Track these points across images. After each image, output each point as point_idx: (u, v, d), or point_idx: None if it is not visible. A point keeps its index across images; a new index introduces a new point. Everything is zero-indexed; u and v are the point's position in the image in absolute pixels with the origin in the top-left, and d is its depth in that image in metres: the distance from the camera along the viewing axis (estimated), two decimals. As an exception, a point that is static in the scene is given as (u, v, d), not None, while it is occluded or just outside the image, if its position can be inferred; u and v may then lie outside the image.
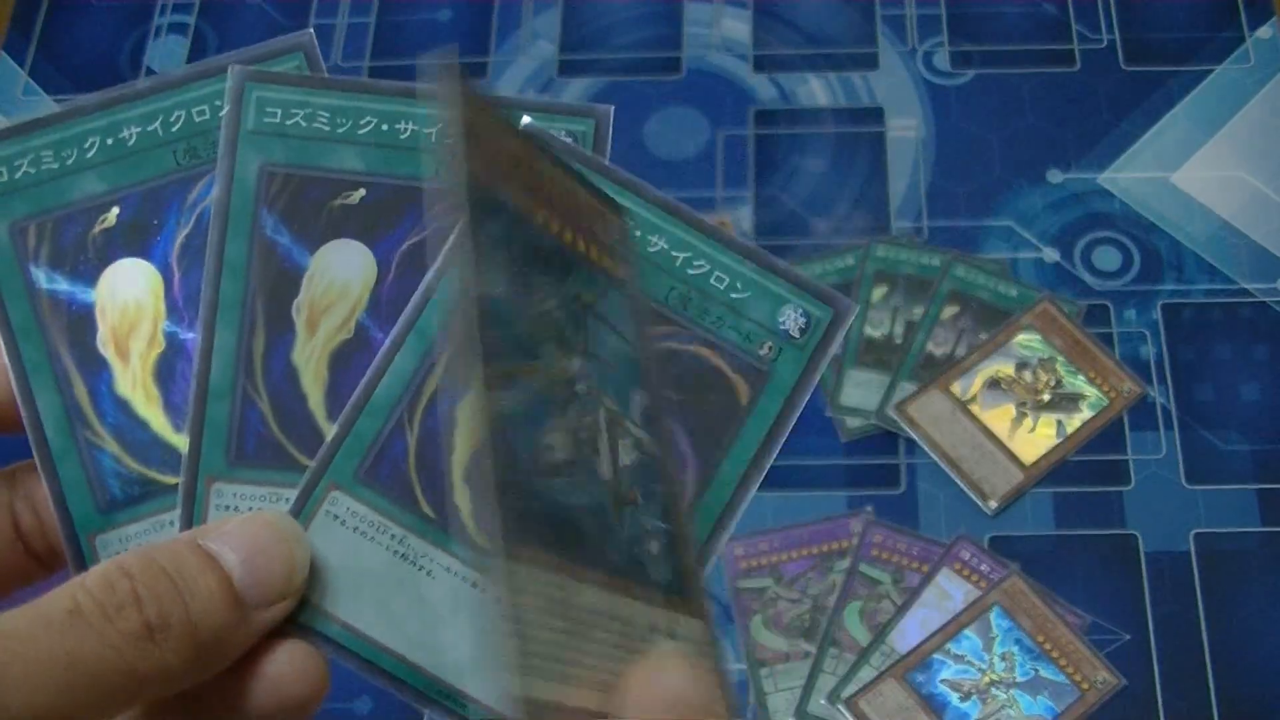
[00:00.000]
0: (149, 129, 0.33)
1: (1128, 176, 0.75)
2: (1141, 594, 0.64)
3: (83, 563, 0.30)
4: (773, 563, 0.66)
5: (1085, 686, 0.61)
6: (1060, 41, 0.80)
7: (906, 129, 0.78)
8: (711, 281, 0.32)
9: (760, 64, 0.81)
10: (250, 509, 0.30)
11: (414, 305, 0.30)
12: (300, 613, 0.29)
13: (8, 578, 0.30)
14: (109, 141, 0.32)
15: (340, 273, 0.31)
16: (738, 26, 0.82)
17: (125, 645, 0.24)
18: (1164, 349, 0.70)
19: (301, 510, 0.29)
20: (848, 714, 0.61)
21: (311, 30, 0.35)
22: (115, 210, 0.32)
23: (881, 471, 0.68)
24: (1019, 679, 0.62)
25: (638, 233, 0.31)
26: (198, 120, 0.33)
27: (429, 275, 0.30)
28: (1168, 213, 0.74)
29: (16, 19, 0.87)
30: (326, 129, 0.32)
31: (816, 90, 0.80)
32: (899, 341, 0.71)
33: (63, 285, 0.31)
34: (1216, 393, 0.69)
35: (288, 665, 0.28)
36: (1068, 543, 0.66)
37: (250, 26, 0.84)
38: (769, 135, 0.78)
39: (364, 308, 0.31)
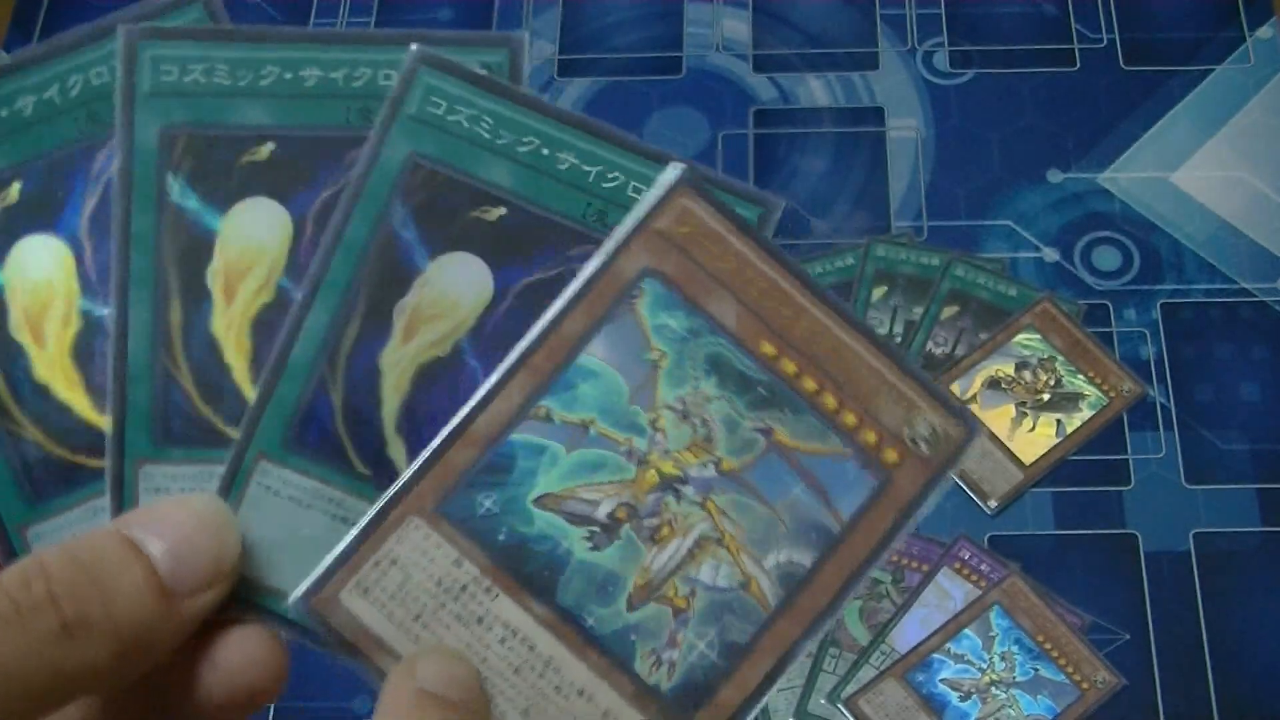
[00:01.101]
0: (45, 97, 0.31)
1: (1128, 176, 0.75)
2: (1141, 594, 0.64)
3: (14, 557, 0.29)
4: (772, 562, 0.66)
5: (1085, 686, 0.61)
6: (1060, 41, 0.80)
7: (906, 129, 0.78)
8: (629, 194, 0.30)
9: (760, 64, 0.81)
10: (182, 490, 0.29)
11: (320, 260, 0.29)
12: (248, 594, 0.28)
13: None
14: (3, 114, 0.30)
15: (255, 234, 0.30)
16: (738, 26, 0.82)
17: (45, 645, 0.23)
18: (1164, 349, 0.70)
19: (232, 485, 0.28)
20: (848, 714, 0.61)
21: None
22: (17, 185, 0.30)
23: (881, 471, 0.68)
24: (1019, 678, 0.62)
25: (546, 151, 0.31)
26: (97, 84, 0.31)
27: (332, 227, 0.30)
28: (1168, 213, 0.74)
29: (16, 19, 0.87)
30: (227, 83, 0.30)
31: (816, 90, 0.80)
32: (899, 341, 0.71)
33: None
34: (1216, 393, 0.69)
35: (240, 652, 0.27)
36: (1068, 542, 0.66)
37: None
38: (769, 135, 0.78)
39: (283, 268, 0.30)
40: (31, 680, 0.23)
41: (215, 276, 0.29)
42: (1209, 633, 0.63)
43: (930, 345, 0.70)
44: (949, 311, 0.71)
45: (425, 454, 0.28)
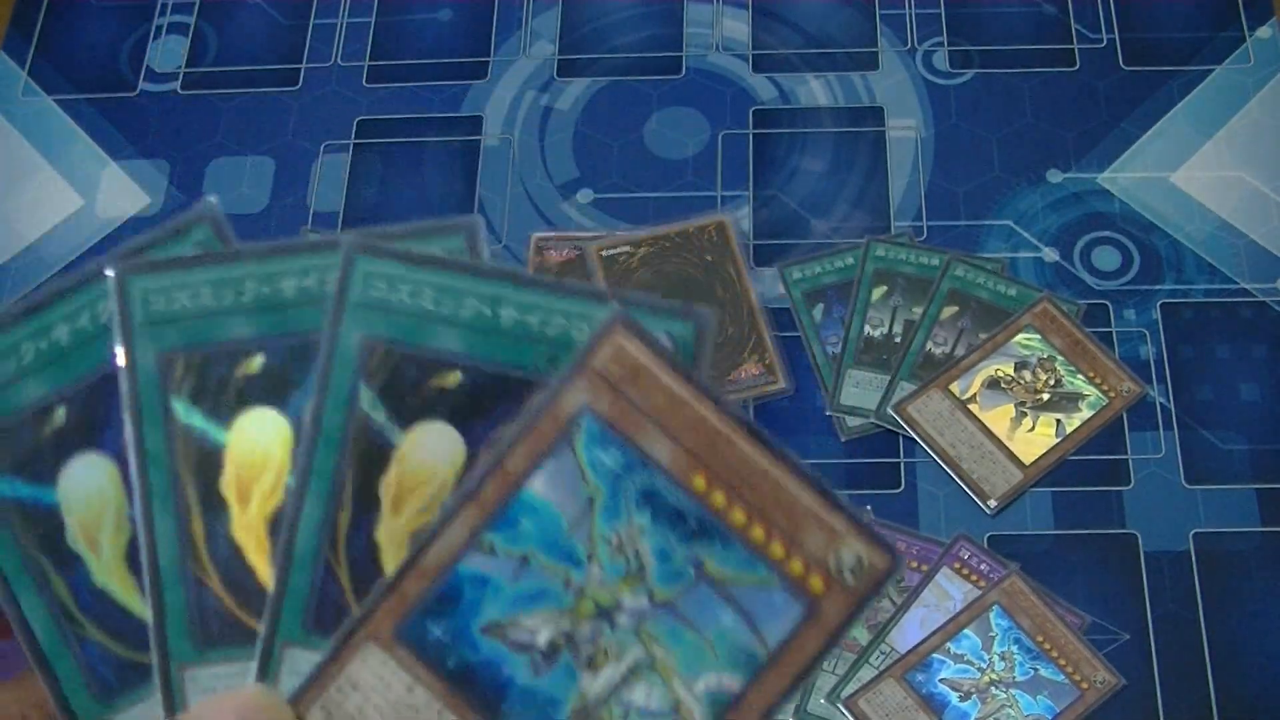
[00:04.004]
0: (78, 325, 0.33)
1: (1128, 176, 0.75)
2: (1141, 594, 0.64)
3: None
4: (772, 562, 0.66)
5: (1085, 686, 0.61)
6: (1060, 41, 0.80)
7: (906, 129, 0.78)
8: (574, 335, 0.32)
9: (760, 64, 0.81)
10: (228, 689, 0.30)
11: (304, 454, 0.31)
12: None
13: None
14: (43, 345, 0.33)
15: (259, 442, 0.32)
16: (738, 26, 0.82)
17: None
18: (1163, 349, 0.70)
19: (264, 676, 0.30)
20: (847, 714, 0.61)
21: (214, 199, 0.35)
22: (61, 410, 0.32)
23: (881, 471, 0.68)
24: (1018, 678, 0.62)
25: (488, 311, 0.32)
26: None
27: (309, 420, 0.31)
28: (1167, 213, 0.74)
29: (16, 19, 0.87)
30: (212, 304, 0.33)
31: (816, 90, 0.80)
32: (898, 341, 0.71)
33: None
34: (1216, 393, 0.69)
35: None
36: (1067, 542, 0.66)
37: (250, 26, 0.84)
38: (769, 135, 0.78)
39: (289, 470, 0.32)
40: None
41: (229, 485, 0.32)
42: (1209, 633, 0.63)
43: (930, 345, 0.71)
44: (949, 311, 0.71)
45: (382, 585, 0.30)
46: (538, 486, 0.30)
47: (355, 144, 0.80)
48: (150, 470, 0.32)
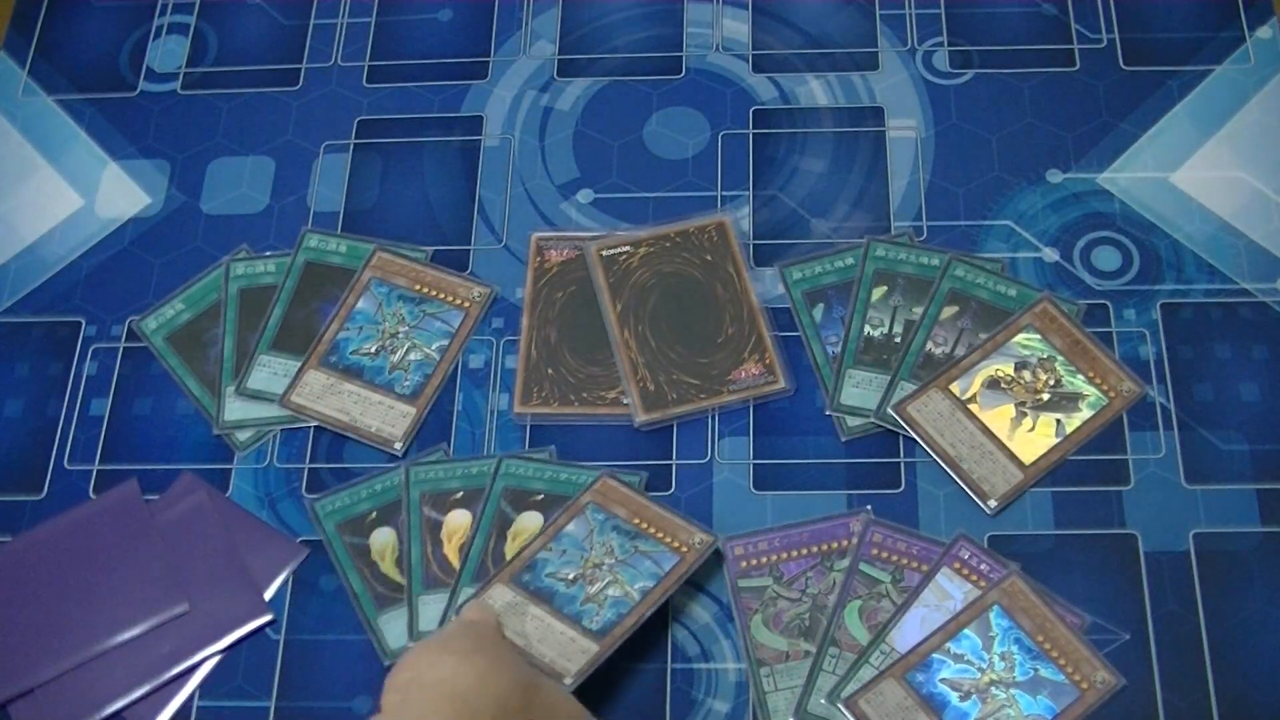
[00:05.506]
0: None
1: (1127, 176, 0.75)
2: (1141, 594, 0.64)
3: None
4: (772, 562, 0.66)
5: (1085, 686, 0.61)
6: (1060, 41, 0.80)
7: (906, 129, 0.78)
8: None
9: (760, 64, 0.81)
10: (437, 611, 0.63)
11: (484, 522, 0.66)
12: None
13: None
14: None
15: (460, 523, 0.69)
16: (738, 26, 0.82)
17: None
18: (1163, 349, 0.70)
19: (452, 604, 0.65)
20: (848, 713, 0.61)
21: None
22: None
23: (881, 471, 0.68)
24: (1018, 678, 0.62)
25: None
26: None
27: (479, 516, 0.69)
28: (1167, 213, 0.74)
29: (16, 19, 0.87)
30: None
31: (816, 90, 0.80)
32: (898, 341, 0.71)
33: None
34: (1216, 393, 0.69)
35: None
36: (1067, 542, 0.66)
37: (250, 26, 0.84)
38: (769, 135, 0.78)
39: (470, 530, 0.69)
40: None
41: (444, 538, 0.69)
42: (1209, 633, 0.63)
43: (930, 345, 0.71)
44: (949, 311, 0.71)
45: (504, 564, 0.66)
46: (570, 528, 0.66)
47: (355, 144, 0.80)
48: (411, 536, 0.68)
